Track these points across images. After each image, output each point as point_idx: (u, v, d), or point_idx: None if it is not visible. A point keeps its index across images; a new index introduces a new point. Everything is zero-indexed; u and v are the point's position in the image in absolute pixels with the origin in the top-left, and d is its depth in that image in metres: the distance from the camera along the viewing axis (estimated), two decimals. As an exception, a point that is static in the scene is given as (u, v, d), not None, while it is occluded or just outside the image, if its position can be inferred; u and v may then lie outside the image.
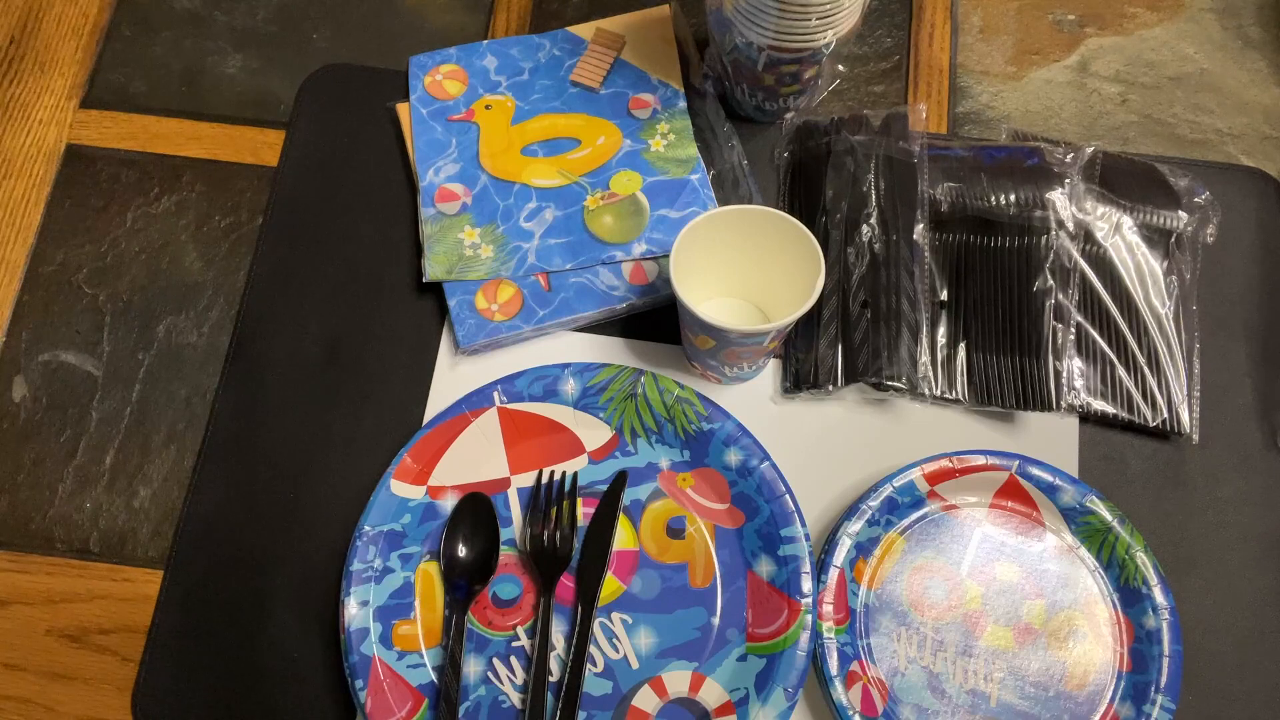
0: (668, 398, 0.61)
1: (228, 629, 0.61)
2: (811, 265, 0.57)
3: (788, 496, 0.59)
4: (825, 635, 0.57)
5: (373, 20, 0.78)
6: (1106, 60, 0.76)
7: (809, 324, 0.64)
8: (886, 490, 0.59)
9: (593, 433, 0.63)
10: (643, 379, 0.62)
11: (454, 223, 0.68)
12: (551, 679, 0.57)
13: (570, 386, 0.62)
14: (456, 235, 0.67)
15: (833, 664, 0.56)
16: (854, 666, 0.57)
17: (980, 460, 0.60)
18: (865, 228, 0.65)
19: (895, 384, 0.62)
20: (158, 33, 0.78)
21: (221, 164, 0.73)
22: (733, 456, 0.60)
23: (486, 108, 0.71)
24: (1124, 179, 0.67)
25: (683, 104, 0.71)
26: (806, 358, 0.64)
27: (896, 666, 0.58)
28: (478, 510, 0.60)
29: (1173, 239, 0.66)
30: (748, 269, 0.62)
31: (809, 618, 0.56)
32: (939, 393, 0.63)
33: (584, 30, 0.73)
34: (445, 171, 0.69)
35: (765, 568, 0.59)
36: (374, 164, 0.72)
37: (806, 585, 0.57)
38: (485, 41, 0.74)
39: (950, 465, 0.60)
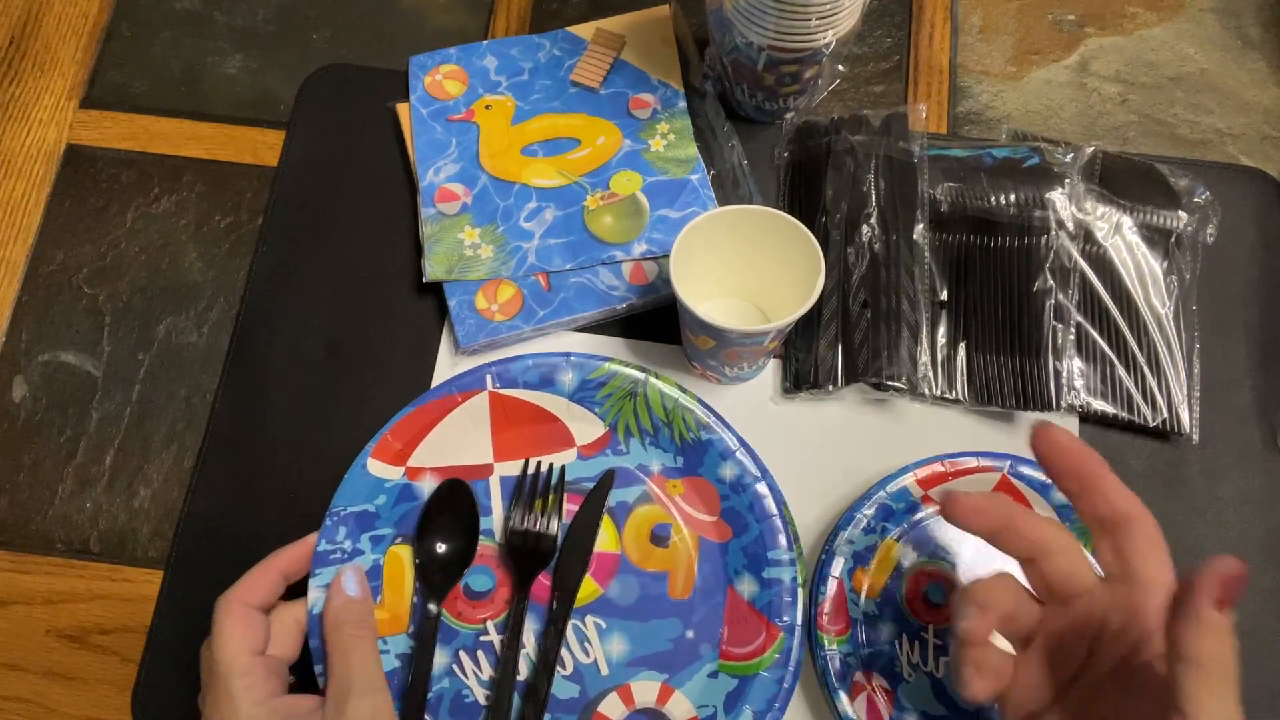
0: (668, 401, 0.60)
1: (228, 629, 0.61)
2: (811, 265, 0.57)
3: (778, 519, 0.57)
4: (827, 647, 0.56)
5: (373, 20, 0.78)
6: (1106, 60, 0.76)
7: (809, 324, 0.64)
8: (880, 496, 0.59)
9: (585, 427, 0.61)
10: (646, 379, 0.60)
11: (454, 223, 0.68)
12: (518, 678, 0.55)
13: (569, 378, 0.61)
14: (456, 235, 0.67)
15: (835, 676, 0.56)
16: (857, 677, 0.57)
17: (972, 462, 0.60)
18: (865, 228, 0.65)
19: (895, 384, 0.62)
20: (158, 33, 0.78)
21: (221, 164, 0.74)
22: (728, 471, 0.59)
23: (486, 108, 0.71)
24: (1124, 179, 0.67)
25: (683, 104, 0.71)
26: (806, 358, 0.64)
27: (900, 674, 0.58)
28: (458, 499, 0.58)
29: (1173, 239, 0.66)
30: (748, 269, 0.62)
31: (786, 643, 0.55)
32: (939, 393, 0.63)
33: (584, 30, 0.73)
34: (445, 171, 0.69)
35: (747, 587, 0.57)
36: (374, 164, 0.72)
37: (787, 613, 0.55)
38: (485, 41, 0.74)
39: (943, 469, 0.60)
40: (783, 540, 0.57)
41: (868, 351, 0.62)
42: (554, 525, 0.58)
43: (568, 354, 0.61)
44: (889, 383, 0.62)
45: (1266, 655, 0.60)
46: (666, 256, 0.66)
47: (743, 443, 0.59)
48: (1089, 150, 0.67)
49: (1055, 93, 0.75)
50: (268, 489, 0.64)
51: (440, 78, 0.72)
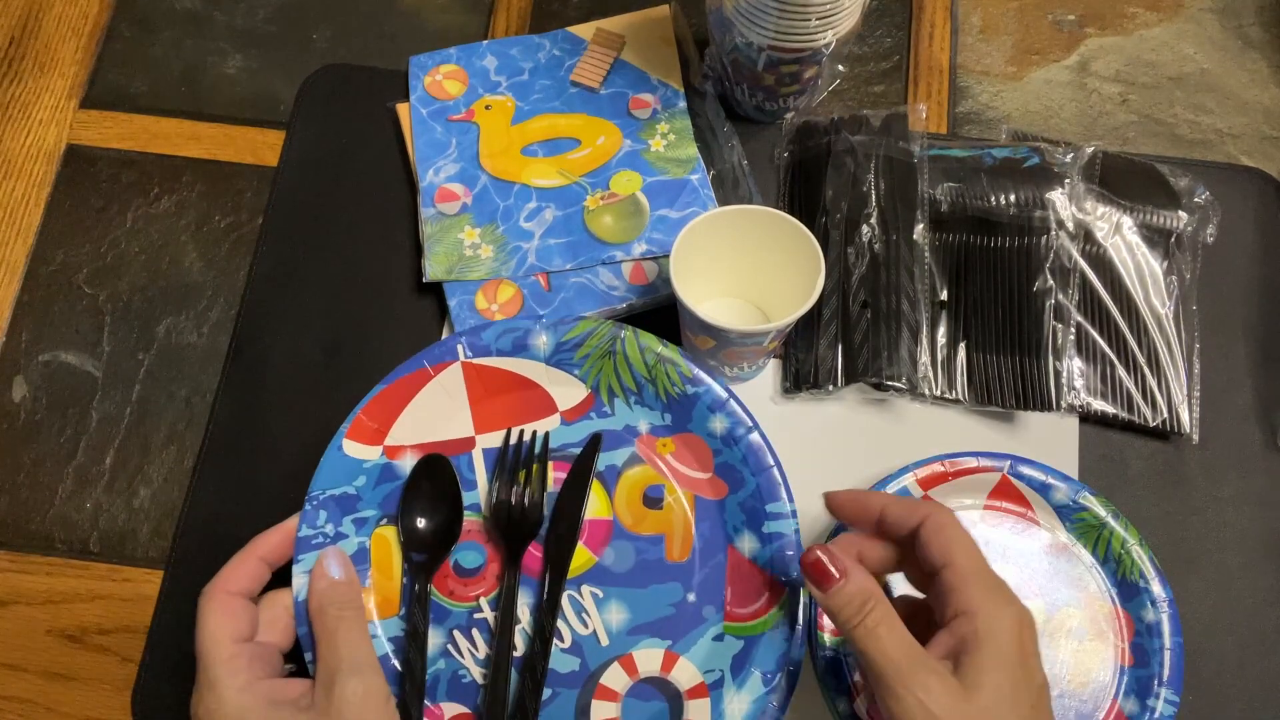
0: (649, 356, 0.56)
1: (228, 629, 0.61)
2: (811, 265, 0.57)
3: (775, 470, 0.55)
4: (827, 647, 0.56)
5: (373, 20, 0.78)
6: (1106, 60, 0.76)
7: (809, 324, 0.64)
8: None
9: (567, 391, 0.58)
10: (623, 335, 0.57)
11: (454, 223, 0.68)
12: (515, 653, 0.54)
13: (543, 341, 0.57)
14: (456, 235, 0.67)
15: (835, 676, 0.56)
16: (858, 677, 0.56)
17: (972, 462, 0.60)
18: (865, 228, 0.65)
19: (895, 384, 0.62)
20: (158, 33, 0.78)
21: (221, 164, 0.73)
22: (718, 423, 0.56)
23: (486, 108, 0.71)
24: (1124, 179, 0.67)
25: (683, 104, 0.71)
26: (806, 358, 0.64)
27: (897, 667, 0.57)
28: (437, 473, 0.56)
29: (1173, 239, 0.66)
30: (748, 269, 0.62)
31: (791, 600, 0.53)
32: (939, 393, 0.63)
33: (584, 30, 0.73)
34: (445, 171, 0.69)
35: (748, 544, 0.55)
36: (374, 164, 0.72)
37: (791, 567, 0.54)
38: (485, 41, 0.74)
39: (943, 469, 0.60)
40: (781, 492, 0.54)
41: (868, 351, 0.62)
42: (540, 495, 0.56)
43: (539, 316, 0.58)
44: (889, 383, 0.62)
45: (1267, 655, 0.60)
46: (666, 256, 0.66)
47: (731, 394, 0.56)
48: (1089, 150, 0.67)
49: (1055, 93, 0.75)
50: (268, 489, 0.64)
51: (440, 78, 0.72)
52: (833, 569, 0.46)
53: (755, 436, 0.55)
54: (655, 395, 0.57)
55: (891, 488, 0.59)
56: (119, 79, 0.76)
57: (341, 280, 0.69)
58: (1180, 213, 0.66)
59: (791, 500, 0.54)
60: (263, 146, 0.74)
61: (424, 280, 0.67)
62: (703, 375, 0.56)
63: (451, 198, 0.68)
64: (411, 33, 0.77)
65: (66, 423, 0.67)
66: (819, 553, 0.47)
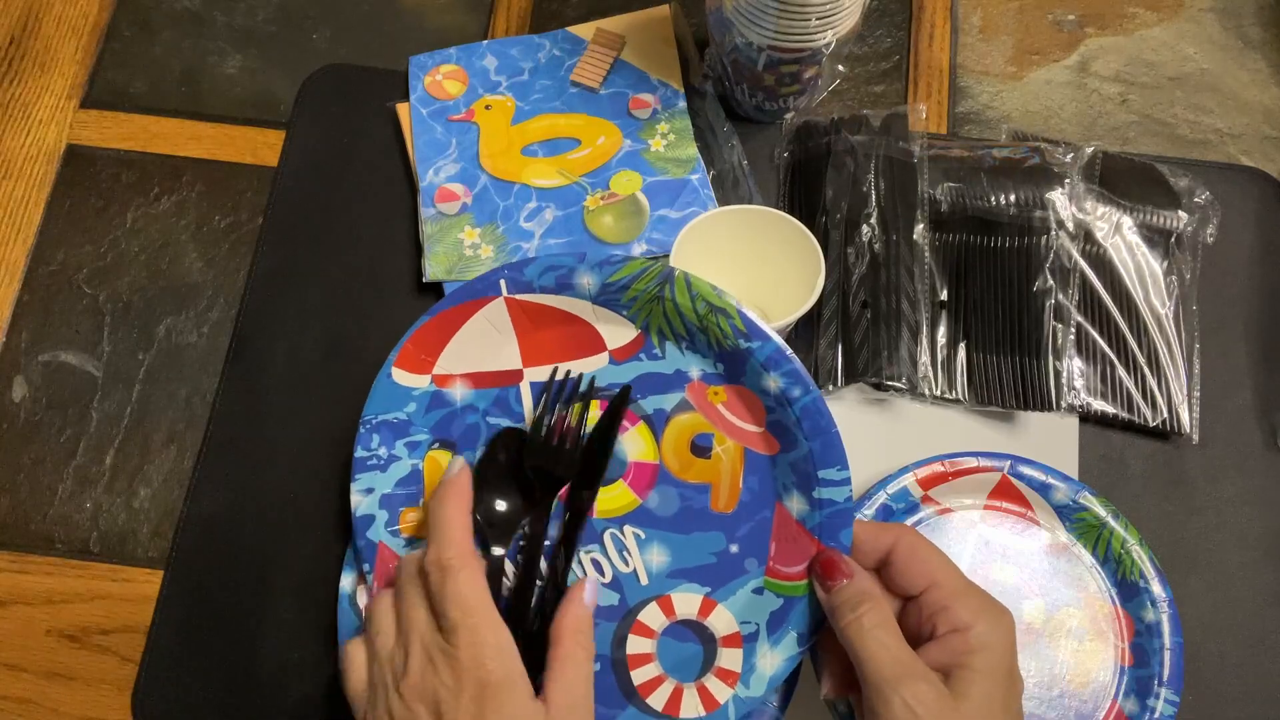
0: (700, 305, 0.54)
1: (228, 629, 0.61)
2: (811, 265, 0.57)
3: (830, 435, 0.52)
4: None
5: (373, 20, 0.78)
6: (1106, 60, 0.76)
7: (809, 324, 0.64)
8: (880, 497, 0.59)
9: (616, 330, 0.57)
10: (672, 281, 0.55)
11: (454, 223, 0.68)
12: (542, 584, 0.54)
13: (587, 281, 0.56)
14: (457, 235, 0.67)
15: None
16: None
17: (972, 462, 0.60)
18: (865, 228, 0.65)
19: (895, 384, 0.62)
20: (158, 33, 0.78)
21: (221, 164, 0.73)
22: (772, 382, 0.53)
23: (486, 108, 0.71)
24: (1124, 179, 0.67)
25: (683, 104, 0.71)
26: (806, 358, 0.64)
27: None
28: (510, 449, 0.56)
29: (1173, 239, 0.66)
30: (748, 269, 0.62)
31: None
32: (939, 393, 0.63)
33: (584, 30, 0.73)
34: (445, 171, 0.69)
35: (796, 505, 0.53)
36: (374, 164, 0.72)
37: (843, 536, 0.51)
38: (485, 41, 0.74)
39: (943, 469, 0.60)
40: (836, 458, 0.52)
41: (868, 351, 0.62)
42: (577, 439, 0.55)
43: (582, 254, 0.57)
44: (889, 383, 0.62)
45: (1267, 655, 0.60)
46: (666, 256, 0.66)
47: (788, 354, 0.53)
48: (1089, 150, 0.67)
49: (1055, 93, 0.75)
50: (268, 489, 0.64)
51: (440, 78, 0.72)
52: (843, 566, 0.48)
53: (811, 400, 0.53)
54: (707, 344, 0.55)
55: (891, 488, 0.60)
56: (119, 79, 0.76)
57: (341, 280, 0.69)
58: (1180, 213, 0.66)
59: (846, 468, 0.52)
60: (263, 146, 0.74)
61: (424, 280, 0.67)
62: (760, 329, 0.54)
63: (451, 198, 0.68)
64: (411, 33, 0.77)
65: (66, 423, 0.67)
66: (832, 553, 0.49)
